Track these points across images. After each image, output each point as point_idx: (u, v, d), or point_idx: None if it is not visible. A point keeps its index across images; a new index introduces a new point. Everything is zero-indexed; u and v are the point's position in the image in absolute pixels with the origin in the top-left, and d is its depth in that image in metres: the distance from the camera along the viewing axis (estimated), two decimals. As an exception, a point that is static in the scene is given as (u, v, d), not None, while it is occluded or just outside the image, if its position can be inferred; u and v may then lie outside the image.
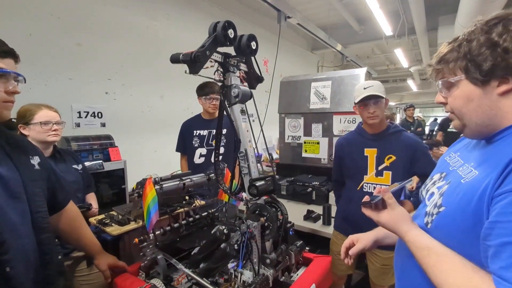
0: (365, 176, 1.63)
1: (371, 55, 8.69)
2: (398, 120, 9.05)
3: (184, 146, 2.36)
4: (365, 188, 1.64)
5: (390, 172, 1.55)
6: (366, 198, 0.87)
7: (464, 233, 0.62)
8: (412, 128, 5.70)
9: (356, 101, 1.55)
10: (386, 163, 1.56)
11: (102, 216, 1.59)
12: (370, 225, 1.64)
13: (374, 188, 1.63)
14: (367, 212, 0.84)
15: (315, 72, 7.41)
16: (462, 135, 0.87)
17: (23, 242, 0.83)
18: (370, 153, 1.61)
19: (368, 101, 1.52)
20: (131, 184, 2.54)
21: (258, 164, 1.24)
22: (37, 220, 0.89)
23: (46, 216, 0.93)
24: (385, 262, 1.60)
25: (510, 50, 0.60)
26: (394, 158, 1.55)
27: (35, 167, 0.97)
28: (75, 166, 1.71)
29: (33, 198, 0.90)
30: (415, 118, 6.31)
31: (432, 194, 0.77)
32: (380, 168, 1.58)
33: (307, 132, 2.97)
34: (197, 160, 2.33)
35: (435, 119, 12.65)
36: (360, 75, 2.70)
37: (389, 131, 1.60)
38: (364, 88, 1.54)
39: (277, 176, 3.06)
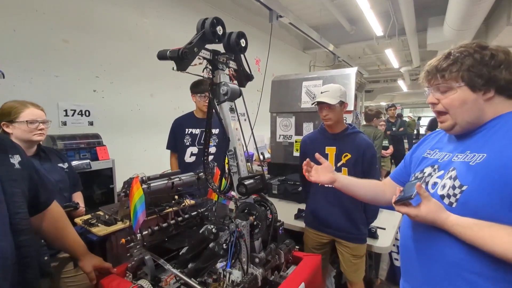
0: None
1: (363, 56, 8.78)
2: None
3: (175, 144, 2.32)
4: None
5: (347, 168, 1.70)
6: (395, 198, 0.89)
7: (494, 202, 0.74)
8: (393, 128, 5.65)
9: (311, 104, 1.70)
10: (343, 160, 1.71)
11: (88, 216, 1.55)
12: (334, 217, 1.72)
13: None
14: (403, 210, 0.86)
15: (307, 71, 7.44)
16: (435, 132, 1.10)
17: (0, 245, 0.80)
18: (330, 151, 1.74)
19: (321, 105, 1.65)
20: (120, 183, 2.50)
21: (248, 163, 1.23)
22: (16, 221, 0.86)
23: (25, 218, 0.90)
24: (353, 252, 1.71)
25: (496, 68, 0.81)
26: (349, 156, 1.69)
27: (15, 166, 0.94)
28: (60, 164, 1.67)
29: (12, 199, 0.86)
30: (405, 118, 6.35)
31: (436, 183, 0.89)
32: (338, 165, 1.71)
33: (299, 131, 2.97)
34: (188, 159, 2.30)
35: (419, 119, 12.84)
36: (351, 75, 2.71)
37: (347, 132, 1.74)
38: (321, 93, 1.67)
39: (268, 175, 3.07)
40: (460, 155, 0.86)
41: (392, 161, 5.50)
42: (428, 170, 0.95)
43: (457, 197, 0.80)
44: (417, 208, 0.83)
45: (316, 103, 1.68)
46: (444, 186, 0.85)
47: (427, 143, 1.08)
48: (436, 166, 0.93)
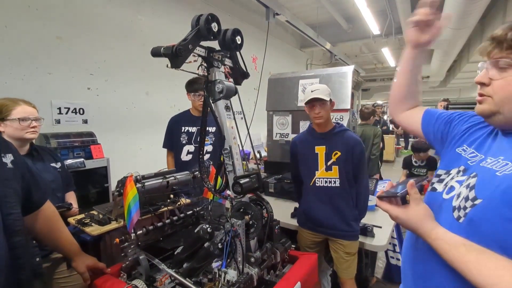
0: (316, 171, 1.76)
1: (359, 54, 8.80)
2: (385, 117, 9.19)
3: (171, 142, 2.31)
4: (317, 183, 1.77)
5: (337, 166, 1.72)
6: (381, 192, 0.77)
7: (505, 228, 0.58)
8: (378, 126, 5.82)
9: (304, 103, 1.71)
10: (333, 158, 1.72)
11: (82, 215, 1.54)
12: (327, 219, 1.73)
13: (326, 182, 1.73)
14: (384, 206, 0.74)
15: (304, 70, 7.43)
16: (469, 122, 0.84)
17: None
18: (320, 150, 1.76)
19: (314, 103, 1.67)
20: (115, 182, 2.47)
21: (244, 162, 1.22)
22: (9, 222, 0.84)
23: (18, 218, 0.88)
24: (346, 250, 1.73)
25: None
26: (339, 154, 1.72)
27: (7, 165, 0.92)
28: (53, 164, 1.64)
29: (4, 200, 0.84)
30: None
31: (452, 188, 0.73)
32: (328, 163, 1.73)
33: (295, 129, 2.96)
34: (184, 157, 2.28)
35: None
36: (348, 73, 2.71)
37: (335, 130, 1.76)
38: (312, 91, 1.69)
39: (265, 174, 3.06)
40: (491, 160, 0.67)
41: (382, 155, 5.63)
42: (454, 172, 0.78)
43: (467, 211, 0.64)
44: (400, 209, 0.71)
45: (307, 101, 1.68)
46: (459, 196, 0.69)
47: (471, 130, 0.82)
48: (462, 168, 0.75)
